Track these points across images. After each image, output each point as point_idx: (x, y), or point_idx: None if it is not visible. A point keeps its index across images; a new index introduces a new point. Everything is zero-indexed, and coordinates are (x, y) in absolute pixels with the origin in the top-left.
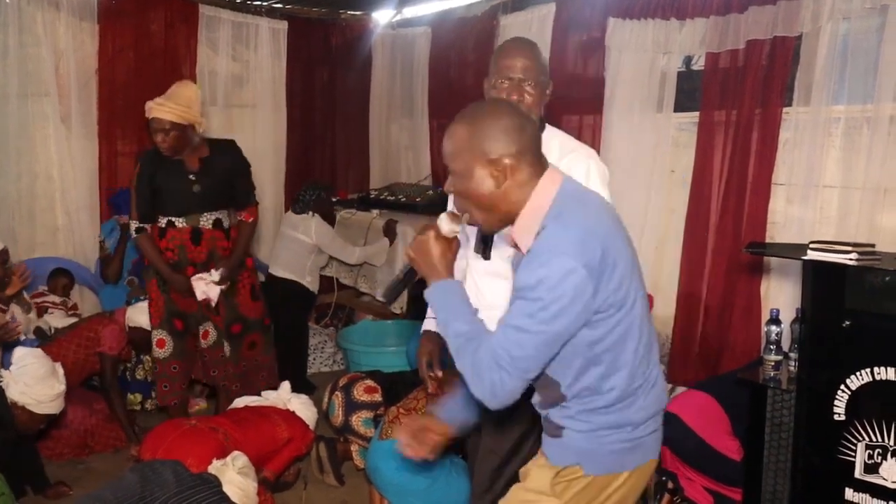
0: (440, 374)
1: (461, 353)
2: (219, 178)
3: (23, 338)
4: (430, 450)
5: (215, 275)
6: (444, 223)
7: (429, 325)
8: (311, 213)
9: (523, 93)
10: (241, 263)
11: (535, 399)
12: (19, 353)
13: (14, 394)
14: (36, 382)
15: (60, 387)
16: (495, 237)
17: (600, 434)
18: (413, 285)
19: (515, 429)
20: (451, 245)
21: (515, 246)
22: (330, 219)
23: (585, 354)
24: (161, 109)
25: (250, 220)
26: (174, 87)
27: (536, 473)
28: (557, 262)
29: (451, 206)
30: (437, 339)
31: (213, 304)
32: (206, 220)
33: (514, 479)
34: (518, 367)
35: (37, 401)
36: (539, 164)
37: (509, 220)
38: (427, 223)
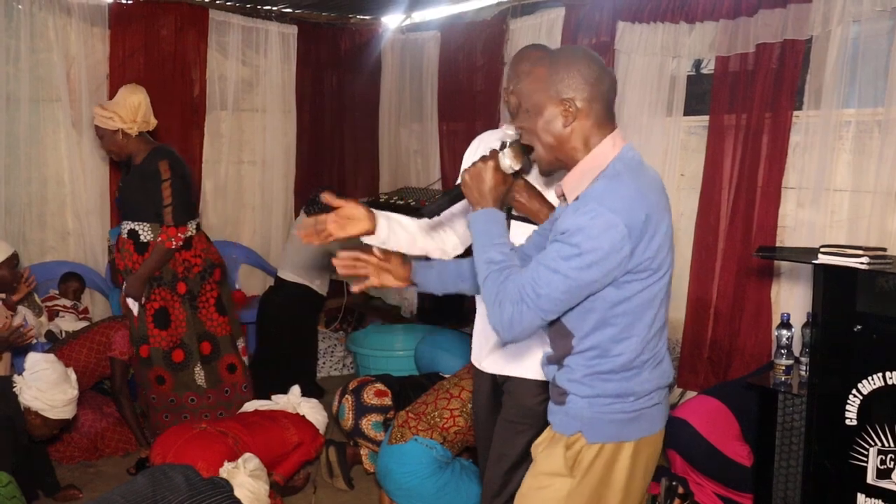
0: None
1: (489, 280)
2: (133, 187)
3: (34, 341)
4: (366, 270)
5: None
6: (507, 157)
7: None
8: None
9: None
10: (175, 277)
11: (545, 355)
12: (32, 358)
13: (27, 399)
14: (49, 388)
15: (73, 392)
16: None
17: (602, 402)
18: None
19: (527, 433)
20: (506, 180)
21: (562, 197)
22: None
23: (604, 312)
24: (95, 115)
25: (160, 241)
26: (117, 93)
27: (546, 453)
28: (602, 215)
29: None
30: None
31: (135, 315)
32: (124, 230)
33: None
34: (540, 306)
35: (50, 406)
36: (608, 122)
37: (564, 165)
38: (492, 150)
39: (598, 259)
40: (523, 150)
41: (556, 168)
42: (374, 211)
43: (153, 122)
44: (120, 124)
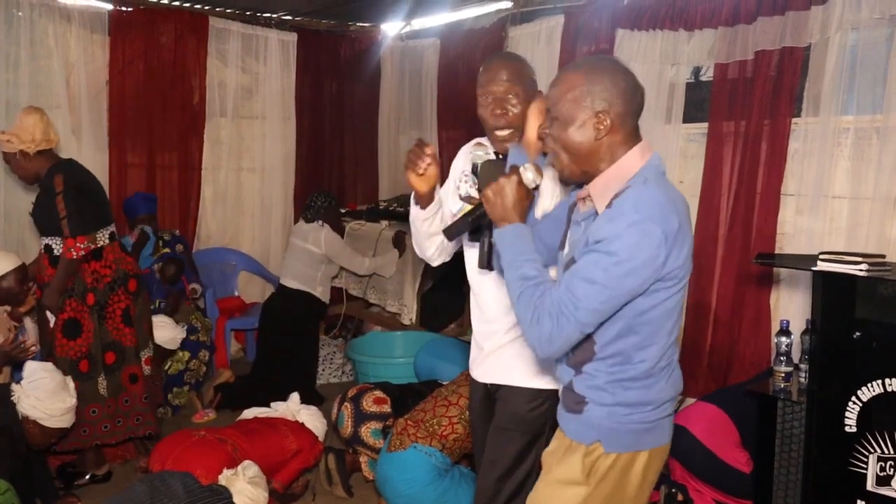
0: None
1: (524, 296)
2: (40, 204)
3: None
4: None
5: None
6: (529, 172)
7: None
8: (320, 222)
9: (507, 107)
10: (84, 290)
11: (563, 361)
12: (31, 367)
13: (25, 408)
14: (47, 396)
15: (72, 401)
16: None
17: (622, 411)
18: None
19: (518, 440)
20: (529, 194)
21: (582, 200)
22: (339, 230)
23: (630, 320)
24: None
25: (62, 253)
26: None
27: (563, 461)
28: (640, 223)
29: (461, 160)
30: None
31: (51, 327)
32: (42, 245)
33: (520, 486)
34: (579, 319)
35: (48, 415)
36: (635, 134)
37: (589, 175)
38: (513, 165)
39: (637, 267)
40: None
41: (579, 179)
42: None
43: (54, 138)
44: (19, 146)
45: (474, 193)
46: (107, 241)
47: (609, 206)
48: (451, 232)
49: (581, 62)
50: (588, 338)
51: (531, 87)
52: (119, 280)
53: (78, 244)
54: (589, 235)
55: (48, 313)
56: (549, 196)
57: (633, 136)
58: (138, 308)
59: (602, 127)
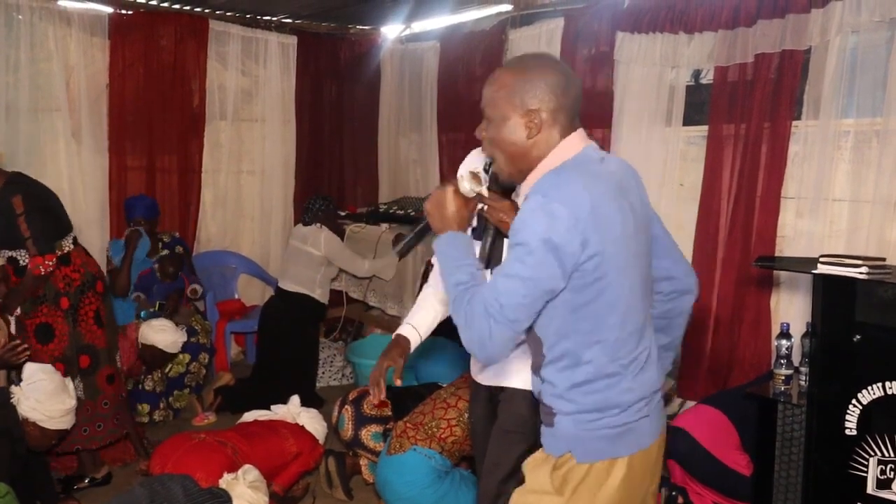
0: (383, 395)
1: (457, 302)
2: None
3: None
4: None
5: None
6: (465, 181)
7: (403, 329)
8: (319, 224)
9: None
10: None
11: (531, 369)
12: (30, 368)
13: (25, 410)
14: (47, 398)
15: (71, 402)
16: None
17: (587, 417)
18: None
19: (521, 443)
20: (468, 204)
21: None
22: (338, 233)
23: (565, 318)
24: None
25: (30, 270)
26: None
27: (534, 472)
28: (544, 206)
29: (467, 167)
30: (405, 347)
31: (12, 332)
32: (4, 257)
33: None
34: (507, 317)
35: (48, 417)
36: (571, 126)
37: (527, 173)
38: (448, 180)
39: (549, 251)
40: (485, 168)
41: (518, 179)
42: (405, 337)
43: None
44: None
45: (483, 190)
46: (72, 247)
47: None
48: (402, 251)
49: (512, 61)
50: (537, 339)
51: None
52: (88, 283)
53: (47, 261)
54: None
55: (8, 316)
56: None
57: (568, 131)
58: (107, 308)
59: (533, 125)
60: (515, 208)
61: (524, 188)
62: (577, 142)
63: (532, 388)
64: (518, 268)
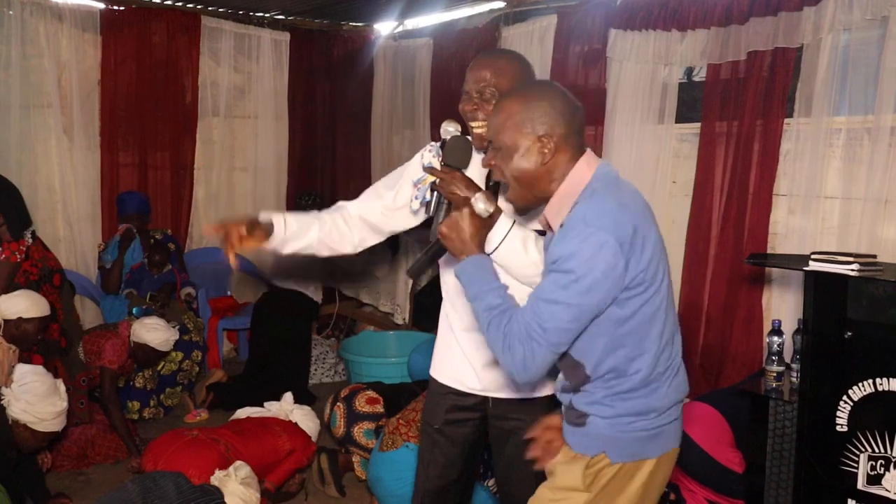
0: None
1: (492, 326)
2: None
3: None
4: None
5: None
6: (480, 202)
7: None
8: None
9: (479, 101)
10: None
11: (559, 384)
12: (21, 370)
13: (15, 412)
14: (38, 400)
15: (62, 404)
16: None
17: (624, 421)
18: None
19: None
20: (485, 224)
21: (548, 226)
22: None
23: (611, 334)
24: None
25: (5, 258)
26: None
27: (565, 469)
28: (591, 236)
29: (442, 134)
30: (259, 221)
31: None
32: None
33: None
34: (549, 340)
35: (39, 419)
36: (580, 149)
37: (544, 199)
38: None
39: (597, 280)
40: (494, 190)
41: (534, 206)
42: (273, 215)
43: None
44: None
45: (437, 164)
46: (30, 241)
47: (562, 224)
48: (414, 271)
49: (516, 89)
50: (575, 363)
51: (523, 81)
52: (45, 276)
53: (20, 246)
54: (547, 257)
55: None
56: None
57: (578, 152)
58: (63, 300)
59: (547, 150)
60: (466, 180)
61: (549, 213)
62: (591, 161)
63: (560, 400)
64: (562, 294)
